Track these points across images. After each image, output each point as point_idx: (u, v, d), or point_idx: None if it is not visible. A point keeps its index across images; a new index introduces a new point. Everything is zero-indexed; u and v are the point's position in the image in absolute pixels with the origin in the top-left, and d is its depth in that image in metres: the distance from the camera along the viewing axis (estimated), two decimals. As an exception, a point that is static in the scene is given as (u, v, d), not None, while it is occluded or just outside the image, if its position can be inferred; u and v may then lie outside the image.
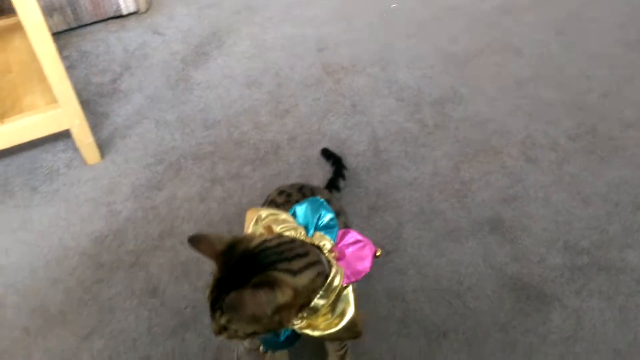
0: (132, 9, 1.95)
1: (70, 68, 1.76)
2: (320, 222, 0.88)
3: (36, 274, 1.20)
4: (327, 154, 1.46)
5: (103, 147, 1.49)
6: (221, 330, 0.75)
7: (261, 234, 0.84)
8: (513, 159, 1.47)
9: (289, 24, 2.00)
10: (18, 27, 1.62)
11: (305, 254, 0.78)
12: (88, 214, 1.32)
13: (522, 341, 1.10)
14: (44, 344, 1.09)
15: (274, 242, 0.78)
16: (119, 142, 1.52)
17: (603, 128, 1.55)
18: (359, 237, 0.90)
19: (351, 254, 0.89)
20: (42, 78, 1.45)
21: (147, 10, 2.01)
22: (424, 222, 1.32)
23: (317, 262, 0.79)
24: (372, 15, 2.04)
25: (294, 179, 1.43)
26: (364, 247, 0.89)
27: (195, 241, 0.76)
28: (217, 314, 0.74)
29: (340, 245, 0.89)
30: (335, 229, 0.88)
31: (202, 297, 1.15)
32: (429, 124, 1.59)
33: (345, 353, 1.00)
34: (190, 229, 1.30)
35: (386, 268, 1.22)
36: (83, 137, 1.38)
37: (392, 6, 2.09)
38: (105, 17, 1.93)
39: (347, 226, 0.98)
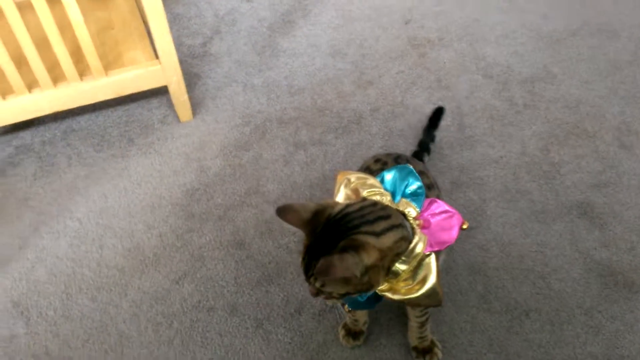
0: (223, -26, 1.99)
1: (164, 29, 1.82)
2: (407, 190, 0.89)
3: (132, 219, 1.28)
4: (434, 118, 1.38)
5: (194, 106, 1.55)
6: (318, 292, 0.80)
7: (348, 198, 0.86)
8: (606, 144, 1.41)
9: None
10: (120, -14, 1.70)
11: (387, 217, 0.80)
12: (180, 168, 1.39)
13: (607, 327, 1.07)
14: (138, 284, 1.16)
15: (356, 207, 0.80)
16: (209, 102, 1.57)
17: None
18: (447, 207, 0.90)
19: (436, 223, 0.89)
20: (142, 36, 1.52)
21: (237, -24, 2.04)
22: (508, 201, 1.30)
23: (399, 226, 0.80)
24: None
25: (376, 149, 1.44)
26: (450, 217, 0.89)
27: (283, 212, 0.79)
28: (312, 279, 0.77)
29: (426, 214, 0.89)
30: (422, 198, 0.88)
31: (285, 254, 1.20)
32: (518, 103, 1.55)
33: (426, 320, 1.01)
34: (275, 189, 1.34)
35: (468, 243, 1.21)
36: (179, 94, 1.44)
37: (483, -19, 2.02)
38: (198, -19, 1.98)
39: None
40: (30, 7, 1.19)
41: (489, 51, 1.72)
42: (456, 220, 0.90)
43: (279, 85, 1.65)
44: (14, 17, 1.17)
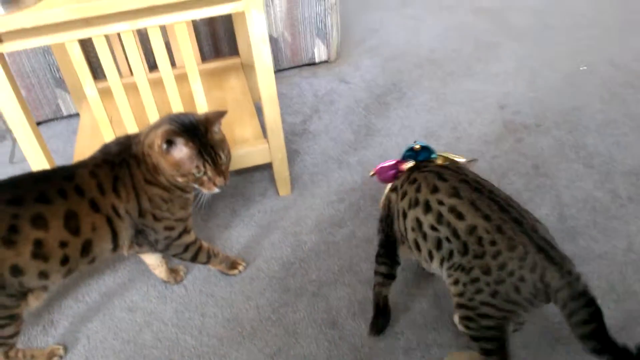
0: (323, 57, 2.13)
1: (268, 107, 1.96)
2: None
3: (232, 289, 1.34)
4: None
5: (293, 181, 1.63)
6: None
7: None
8: None
9: (471, 79, 2.03)
10: (233, 68, 1.87)
11: None
12: (277, 241, 1.45)
13: None
14: (236, 355, 1.20)
15: None
16: (307, 178, 1.65)
17: None
18: None
19: None
20: (252, 115, 1.64)
21: (336, 59, 2.18)
22: (615, 301, 1.23)
23: None
24: (558, 76, 1.99)
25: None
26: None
27: None
28: None
29: None
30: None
31: (377, 339, 1.19)
32: (622, 195, 1.49)
33: None
34: (368, 269, 1.36)
35: (574, 349, 1.15)
36: (281, 170, 1.52)
37: (582, 68, 2.02)
38: (300, 63, 2.13)
39: None
40: (158, 83, 1.34)
41: (589, 140, 1.69)
42: None
43: (373, 164, 1.68)
44: (147, 95, 1.32)
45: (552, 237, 0.99)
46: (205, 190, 1.13)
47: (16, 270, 1.02)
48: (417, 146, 1.16)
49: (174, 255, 1.24)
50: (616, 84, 1.92)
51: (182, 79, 1.39)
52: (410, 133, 1.80)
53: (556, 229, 1.41)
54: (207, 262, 1.30)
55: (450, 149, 1.71)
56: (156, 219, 1.14)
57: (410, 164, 1.16)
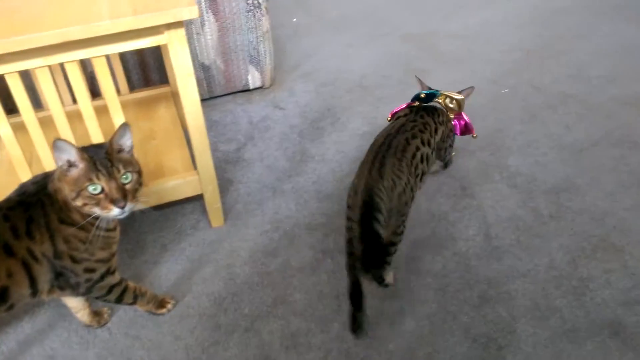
0: (258, 84, 2.14)
1: (200, 135, 1.94)
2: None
3: (160, 329, 1.29)
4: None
5: (226, 211, 1.61)
6: None
7: None
8: (635, 259, 1.40)
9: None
10: (163, 97, 1.84)
11: None
12: (209, 275, 1.42)
13: None
14: (164, 398, 1.16)
15: None
16: (240, 207, 1.63)
17: None
18: None
19: None
20: (182, 145, 1.62)
21: (270, 85, 2.19)
22: (539, 318, 1.28)
23: None
24: (482, 99, 2.07)
25: (402, 258, 1.45)
26: None
27: None
28: None
29: None
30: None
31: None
32: (544, 214, 1.57)
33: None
34: (301, 299, 1.35)
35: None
36: (212, 201, 1.50)
37: (503, 91, 2.12)
38: (235, 90, 2.12)
39: None
40: (77, 116, 1.29)
41: (511, 160, 1.77)
42: None
43: (307, 190, 1.71)
44: (63, 126, 1.27)
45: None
46: (104, 212, 1.03)
47: None
48: (423, 95, 1.52)
49: (97, 298, 1.18)
50: (536, 106, 2.03)
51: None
52: (344, 158, 1.83)
53: (483, 249, 1.46)
54: (134, 302, 1.25)
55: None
56: (75, 261, 1.09)
57: (416, 103, 1.53)
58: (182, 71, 1.26)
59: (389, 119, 1.54)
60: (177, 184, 1.47)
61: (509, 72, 2.23)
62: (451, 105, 1.51)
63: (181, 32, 1.21)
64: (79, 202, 1.03)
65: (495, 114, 2.00)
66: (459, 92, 1.53)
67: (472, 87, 1.56)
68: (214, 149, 1.87)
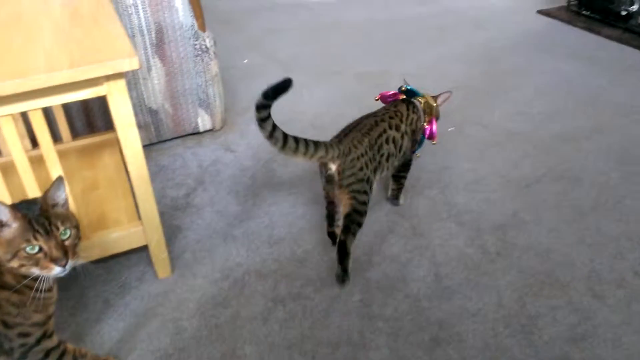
0: (208, 127, 2.12)
1: (149, 181, 1.90)
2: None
3: (103, 390, 1.23)
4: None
5: (174, 260, 1.57)
6: None
7: None
8: (579, 294, 1.44)
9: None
10: (108, 144, 1.80)
11: None
12: (155, 330, 1.37)
13: None
14: None
15: None
16: (189, 256, 1.59)
17: (674, 265, 1.51)
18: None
19: None
20: (126, 194, 1.58)
21: (221, 128, 2.18)
22: (490, 359, 1.28)
23: None
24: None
25: (354, 303, 1.44)
26: None
27: None
28: None
29: None
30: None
31: None
32: (491, 251, 1.59)
33: None
34: (252, 353, 1.32)
35: None
36: (158, 252, 1.46)
37: (450, 129, 2.17)
38: (184, 133, 2.10)
39: None
40: (11, 167, 1.24)
41: (459, 198, 1.80)
42: None
43: (259, 235, 1.68)
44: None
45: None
46: (44, 272, 0.99)
47: None
48: (404, 88, 1.69)
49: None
50: (484, 143, 2.09)
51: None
52: (297, 199, 1.82)
53: (433, 290, 1.47)
54: None
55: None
56: (7, 326, 1.02)
57: (402, 96, 1.68)
58: (123, 122, 1.24)
59: (376, 98, 1.72)
60: (121, 236, 1.42)
61: (458, 109, 2.29)
62: (427, 109, 1.67)
63: (121, 83, 1.19)
64: (14, 264, 0.97)
65: (444, 152, 2.04)
66: (436, 97, 1.69)
67: (449, 92, 1.69)
68: (161, 196, 1.83)
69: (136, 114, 1.92)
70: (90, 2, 1.42)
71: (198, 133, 2.15)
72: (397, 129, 1.56)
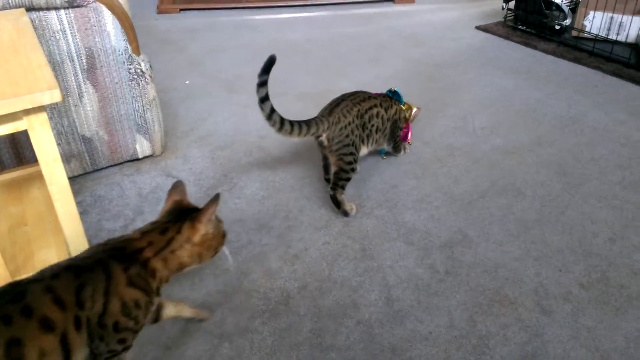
0: (147, 152, 2.04)
1: (82, 214, 1.79)
2: None
3: None
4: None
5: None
6: None
7: None
8: (528, 310, 1.44)
9: (298, 164, 2.08)
10: (37, 177, 1.68)
11: None
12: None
13: None
14: None
15: None
16: (128, 293, 1.50)
17: (614, 275, 1.54)
18: None
19: None
20: (57, 230, 1.47)
21: (162, 153, 2.09)
22: (442, 384, 1.26)
23: None
24: (375, 156, 2.12)
25: (305, 333, 1.40)
26: None
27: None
28: None
29: None
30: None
31: None
32: (440, 270, 1.58)
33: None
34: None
35: None
36: (93, 292, 1.36)
37: (397, 147, 2.17)
38: (122, 160, 2.00)
39: None
40: None
41: (407, 217, 1.79)
42: None
43: (203, 267, 1.61)
44: None
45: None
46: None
47: None
48: (393, 89, 1.96)
49: None
50: (427, 160, 2.10)
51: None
52: (242, 227, 1.76)
53: (385, 314, 1.44)
54: None
55: (283, 240, 1.70)
56: (116, 329, 1.01)
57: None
58: (46, 157, 1.15)
59: None
60: (51, 277, 1.32)
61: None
62: (406, 114, 1.97)
63: (42, 117, 1.11)
64: (196, 265, 1.16)
65: (391, 169, 2.04)
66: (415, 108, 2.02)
67: (419, 108, 2.04)
68: (98, 229, 1.73)
69: (68, 143, 1.82)
70: (11, 30, 1.33)
71: (137, 159, 2.05)
72: (386, 110, 1.85)
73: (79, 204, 1.84)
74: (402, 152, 2.07)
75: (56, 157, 1.16)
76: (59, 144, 1.82)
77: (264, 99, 1.58)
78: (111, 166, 2.01)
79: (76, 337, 0.95)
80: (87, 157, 1.91)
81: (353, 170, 1.76)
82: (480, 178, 1.98)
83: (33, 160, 1.80)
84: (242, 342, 1.37)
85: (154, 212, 1.81)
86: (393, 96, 1.96)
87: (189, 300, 1.49)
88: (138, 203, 1.85)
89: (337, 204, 1.77)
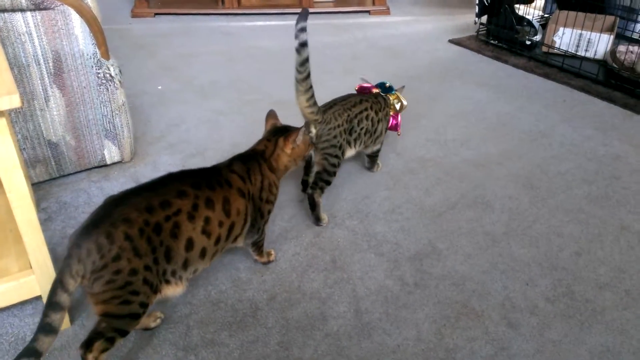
0: (116, 158, 2.00)
1: (47, 221, 1.74)
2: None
3: None
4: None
5: (74, 308, 1.43)
6: None
7: None
8: (495, 323, 1.46)
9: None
10: (-1, 183, 1.63)
11: None
12: (50, 392, 1.23)
13: None
14: None
15: None
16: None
17: (579, 289, 1.57)
18: None
19: None
20: (17, 238, 1.43)
21: (131, 159, 2.05)
22: (408, 398, 1.26)
23: None
24: (348, 167, 2.12)
25: (272, 346, 1.38)
26: None
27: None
28: None
29: None
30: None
31: None
32: (409, 282, 1.59)
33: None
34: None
35: None
36: (54, 304, 1.32)
37: (369, 157, 2.18)
38: (89, 166, 1.96)
39: None
40: None
41: (378, 228, 1.80)
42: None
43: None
44: None
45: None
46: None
47: (189, 245, 1.24)
48: (387, 85, 2.03)
49: (256, 241, 1.53)
50: (398, 171, 2.11)
51: None
52: (211, 236, 1.73)
53: (353, 327, 1.44)
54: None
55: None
56: (269, 202, 1.48)
57: (377, 90, 2.00)
58: (5, 164, 1.12)
59: (357, 89, 2.02)
60: (10, 287, 1.28)
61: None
62: (396, 105, 1.99)
63: (1, 122, 1.07)
64: (296, 163, 1.61)
65: (363, 180, 2.04)
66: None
67: (402, 87, 2.09)
68: (62, 236, 1.68)
69: (34, 148, 1.78)
70: (-29, 29, 1.29)
71: (105, 165, 2.01)
72: (376, 112, 1.90)
73: (43, 210, 1.79)
74: (376, 168, 2.08)
75: (15, 164, 1.13)
76: (23, 149, 1.77)
77: (304, 44, 1.58)
78: (78, 172, 1.96)
79: (249, 204, 1.40)
80: (53, 163, 1.86)
81: (334, 174, 1.80)
82: (450, 190, 2.00)
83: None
84: (208, 355, 1.35)
85: (120, 220, 1.77)
86: (387, 90, 2.01)
87: (156, 310, 1.45)
88: (105, 210, 1.80)
89: (313, 205, 1.78)
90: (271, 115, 1.63)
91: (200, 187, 1.27)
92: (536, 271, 1.63)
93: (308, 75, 1.63)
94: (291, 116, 1.80)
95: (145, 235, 1.15)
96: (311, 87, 1.65)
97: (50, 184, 1.91)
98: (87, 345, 1.16)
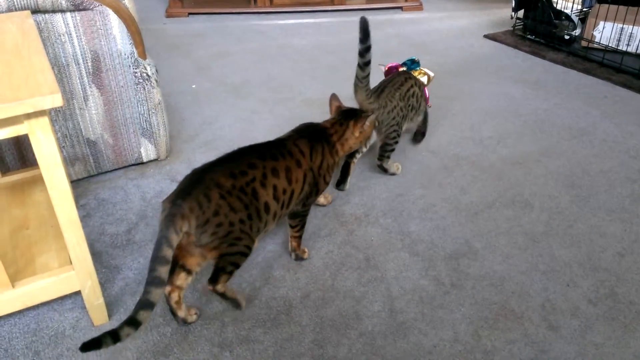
0: (152, 156, 2.03)
1: (86, 217, 1.78)
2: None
3: None
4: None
5: (112, 304, 1.46)
6: None
7: None
8: (534, 325, 1.41)
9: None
10: (40, 179, 1.67)
11: None
12: (90, 385, 1.26)
13: None
14: None
15: None
16: (129, 299, 1.48)
17: (622, 291, 1.51)
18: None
19: None
20: (58, 235, 1.46)
21: (167, 157, 2.08)
22: (445, 400, 1.23)
23: None
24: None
25: (307, 344, 1.37)
26: None
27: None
28: None
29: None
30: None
31: None
32: (445, 282, 1.56)
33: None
34: (197, 404, 1.22)
35: None
36: (93, 298, 1.35)
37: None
38: (126, 164, 1.99)
39: None
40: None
41: (412, 227, 1.77)
42: None
43: (206, 273, 1.59)
44: None
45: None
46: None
47: (267, 208, 1.37)
48: (416, 59, 2.24)
49: (300, 214, 1.57)
50: (433, 169, 2.07)
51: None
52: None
53: (388, 326, 1.42)
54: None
55: (286, 248, 1.68)
56: (325, 181, 1.56)
57: (404, 68, 2.20)
58: (47, 161, 1.14)
59: (385, 69, 2.24)
60: (51, 282, 1.30)
61: (403, 134, 2.28)
62: (423, 79, 2.16)
63: (44, 121, 1.09)
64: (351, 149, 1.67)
65: (397, 178, 2.02)
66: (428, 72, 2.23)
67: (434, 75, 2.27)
68: (100, 233, 1.71)
69: (73, 146, 1.82)
70: (15, 33, 1.32)
71: (141, 163, 2.04)
72: (418, 87, 2.01)
73: (82, 207, 1.83)
74: (396, 168, 2.05)
75: (57, 161, 1.15)
76: (63, 147, 1.81)
77: (367, 63, 1.74)
78: (115, 170, 2.00)
79: (309, 175, 1.48)
80: (91, 161, 1.90)
81: (396, 142, 1.94)
82: (487, 188, 1.96)
83: (37, 162, 1.79)
84: (243, 352, 1.35)
85: (156, 216, 1.80)
86: (412, 65, 2.20)
87: (192, 306, 1.47)
88: (142, 207, 1.84)
89: (385, 170, 2.00)
90: (334, 97, 1.72)
91: (265, 158, 1.39)
92: (577, 272, 1.58)
93: (368, 74, 1.77)
94: (321, 114, 1.79)
95: (235, 194, 1.29)
96: (369, 82, 1.80)
97: (88, 181, 1.95)
98: (213, 280, 1.35)
